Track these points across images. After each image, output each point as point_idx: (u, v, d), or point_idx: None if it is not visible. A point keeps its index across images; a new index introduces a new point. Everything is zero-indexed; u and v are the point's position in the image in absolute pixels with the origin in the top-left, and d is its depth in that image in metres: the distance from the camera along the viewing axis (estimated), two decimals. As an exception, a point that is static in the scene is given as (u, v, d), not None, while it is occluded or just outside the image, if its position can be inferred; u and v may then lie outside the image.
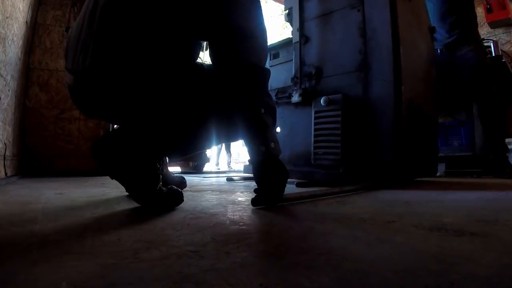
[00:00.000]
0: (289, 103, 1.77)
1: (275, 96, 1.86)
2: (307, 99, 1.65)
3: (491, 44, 2.87)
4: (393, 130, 1.37)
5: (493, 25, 3.37)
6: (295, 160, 1.72)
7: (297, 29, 1.76)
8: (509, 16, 3.16)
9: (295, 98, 1.70)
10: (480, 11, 3.51)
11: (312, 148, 1.57)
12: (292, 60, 1.80)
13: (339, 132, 1.46)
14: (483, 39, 3.04)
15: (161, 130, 0.84)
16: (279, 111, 1.84)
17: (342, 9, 1.57)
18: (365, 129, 1.44)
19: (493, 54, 2.81)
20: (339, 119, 1.47)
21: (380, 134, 1.40)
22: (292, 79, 1.77)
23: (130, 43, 0.75)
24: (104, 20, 0.76)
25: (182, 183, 1.27)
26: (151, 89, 0.79)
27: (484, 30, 3.50)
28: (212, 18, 0.80)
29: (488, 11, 3.27)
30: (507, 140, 2.51)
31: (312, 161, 1.57)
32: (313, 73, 1.67)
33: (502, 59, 2.51)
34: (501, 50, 2.98)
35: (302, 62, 1.73)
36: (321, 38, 1.66)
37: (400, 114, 1.37)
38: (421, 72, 1.67)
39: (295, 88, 1.73)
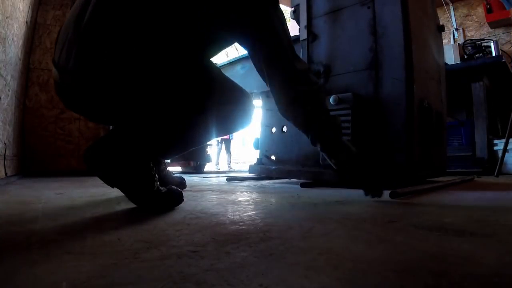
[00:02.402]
0: None
1: None
2: None
3: (492, 44, 2.87)
4: (405, 130, 1.34)
5: (493, 25, 3.37)
6: (303, 160, 1.70)
7: (305, 26, 1.72)
8: (509, 16, 3.16)
9: None
10: (480, 11, 3.52)
11: None
12: (299, 58, 1.79)
13: (349, 131, 1.43)
14: (483, 39, 3.05)
15: (150, 130, 0.82)
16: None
17: (351, 6, 1.54)
18: (376, 128, 1.42)
19: (493, 54, 2.81)
20: (349, 118, 1.44)
21: (391, 134, 1.37)
22: (300, 77, 1.75)
23: (118, 44, 0.73)
24: (94, 19, 0.74)
25: (182, 184, 1.27)
26: (139, 90, 0.77)
27: (484, 30, 3.51)
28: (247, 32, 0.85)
29: (488, 11, 3.28)
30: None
31: (320, 161, 1.54)
32: (321, 71, 1.64)
33: (502, 59, 2.51)
34: (501, 50, 2.98)
35: (310, 60, 1.70)
36: (329, 35, 1.63)
37: (412, 114, 1.35)
38: (432, 70, 1.66)
39: None
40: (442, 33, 1.92)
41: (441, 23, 1.90)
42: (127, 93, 0.78)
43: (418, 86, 1.39)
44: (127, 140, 0.81)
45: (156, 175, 0.83)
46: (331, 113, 1.52)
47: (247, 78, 2.07)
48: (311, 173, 1.62)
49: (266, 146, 1.96)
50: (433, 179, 1.73)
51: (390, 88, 1.39)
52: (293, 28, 2.10)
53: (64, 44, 0.77)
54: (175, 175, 1.31)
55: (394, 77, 1.37)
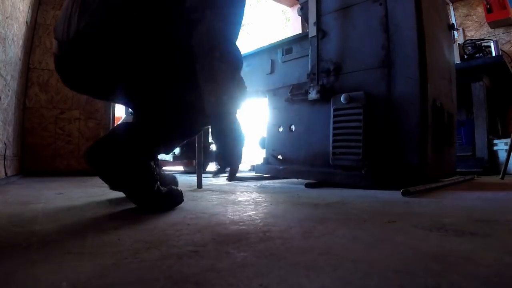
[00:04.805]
0: (305, 100, 1.71)
1: (289, 92, 1.79)
2: (325, 96, 1.59)
3: (492, 44, 2.87)
4: (419, 130, 1.32)
5: (493, 25, 3.37)
6: (312, 160, 1.67)
7: (314, 23, 1.69)
8: (509, 16, 3.16)
9: (312, 95, 1.64)
10: (480, 11, 3.52)
11: (331, 148, 1.52)
12: (306, 55, 1.75)
13: (360, 131, 1.41)
14: (483, 39, 3.05)
15: (147, 122, 0.82)
16: (295, 108, 1.80)
17: (363, 3, 1.52)
18: (388, 128, 1.40)
19: (493, 54, 2.81)
20: (361, 117, 1.42)
21: (404, 134, 1.35)
22: (308, 75, 1.71)
23: (114, 15, 0.72)
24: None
25: (173, 182, 1.27)
26: (130, 59, 0.76)
27: (484, 30, 3.50)
28: None
29: (488, 11, 3.27)
30: (506, 140, 2.51)
31: (330, 161, 1.52)
32: (331, 69, 1.61)
33: (502, 59, 2.51)
34: (501, 50, 2.98)
35: (319, 58, 1.67)
36: (340, 32, 1.61)
37: (426, 114, 1.33)
38: (443, 69, 1.64)
39: (312, 84, 1.67)
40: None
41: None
42: (119, 62, 0.76)
43: (431, 85, 1.37)
44: (127, 139, 0.81)
45: (157, 175, 0.83)
46: (343, 112, 1.53)
47: (253, 76, 2.05)
48: (320, 174, 1.59)
49: (272, 145, 1.93)
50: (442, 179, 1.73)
51: (403, 87, 1.37)
52: (295, 28, 2.06)
53: (64, 18, 0.78)
54: (167, 173, 1.30)
55: (408, 76, 1.35)
